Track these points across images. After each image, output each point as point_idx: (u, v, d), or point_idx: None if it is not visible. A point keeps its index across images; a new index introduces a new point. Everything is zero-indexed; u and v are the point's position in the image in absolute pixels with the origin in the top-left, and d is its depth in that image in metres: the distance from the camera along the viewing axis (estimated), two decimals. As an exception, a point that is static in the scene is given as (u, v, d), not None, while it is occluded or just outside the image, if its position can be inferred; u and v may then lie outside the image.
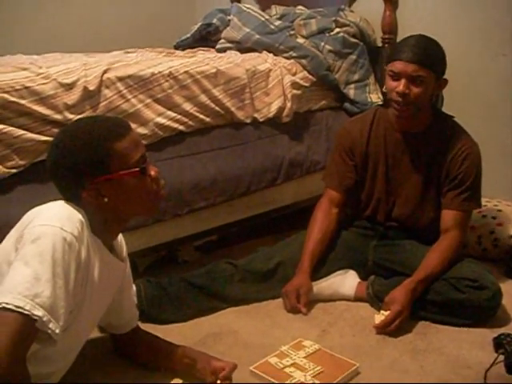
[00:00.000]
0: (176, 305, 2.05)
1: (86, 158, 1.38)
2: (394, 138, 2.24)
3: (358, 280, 2.23)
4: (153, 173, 1.49)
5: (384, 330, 1.96)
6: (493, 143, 2.85)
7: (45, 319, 1.22)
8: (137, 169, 1.43)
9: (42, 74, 1.98)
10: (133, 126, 2.08)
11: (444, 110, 2.33)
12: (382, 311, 2.02)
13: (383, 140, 2.26)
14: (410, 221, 2.28)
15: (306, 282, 2.14)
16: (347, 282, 2.22)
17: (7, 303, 1.19)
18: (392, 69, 2.08)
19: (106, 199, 1.41)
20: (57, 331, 1.24)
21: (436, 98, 2.28)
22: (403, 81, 2.05)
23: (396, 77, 2.07)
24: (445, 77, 2.14)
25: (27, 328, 1.21)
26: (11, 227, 1.39)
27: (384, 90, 2.20)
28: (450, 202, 2.17)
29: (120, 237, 1.62)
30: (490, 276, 2.05)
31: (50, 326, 1.23)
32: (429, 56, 2.06)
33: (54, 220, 1.31)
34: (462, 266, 2.09)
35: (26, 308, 1.19)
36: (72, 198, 1.42)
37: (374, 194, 2.30)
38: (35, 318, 1.20)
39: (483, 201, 2.34)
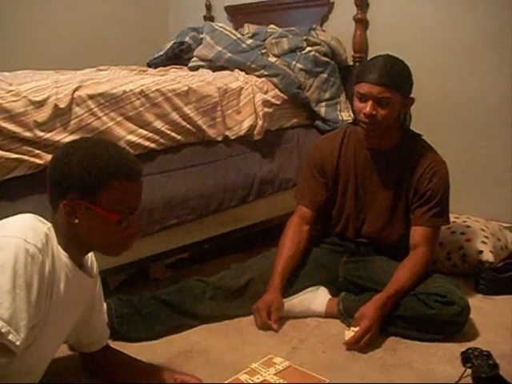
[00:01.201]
0: (147, 323, 2.04)
1: (82, 177, 1.37)
2: (363, 155, 2.27)
3: (329, 296, 2.24)
4: (130, 230, 1.47)
5: (354, 346, 1.97)
6: (462, 160, 2.92)
7: (3, 330, 1.21)
8: (116, 217, 1.42)
9: (12, 91, 1.97)
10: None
11: (413, 127, 2.37)
12: (352, 327, 2.03)
13: (353, 157, 2.29)
14: (380, 237, 2.30)
15: (277, 298, 2.15)
16: (318, 298, 2.23)
17: None
18: (359, 90, 2.11)
19: (76, 220, 1.41)
20: (17, 343, 1.23)
21: (404, 116, 2.31)
22: (370, 103, 2.07)
23: (363, 98, 2.10)
24: (412, 95, 2.17)
25: None
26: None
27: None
28: (419, 218, 2.20)
29: (91, 254, 1.61)
30: (458, 291, 2.07)
31: (10, 337, 1.22)
32: (394, 77, 2.07)
33: (17, 231, 1.31)
34: (431, 281, 2.12)
35: None
36: (52, 204, 1.43)
37: (344, 211, 2.32)
38: None
39: (452, 217, 2.38)
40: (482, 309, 2.28)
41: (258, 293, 2.19)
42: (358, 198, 2.30)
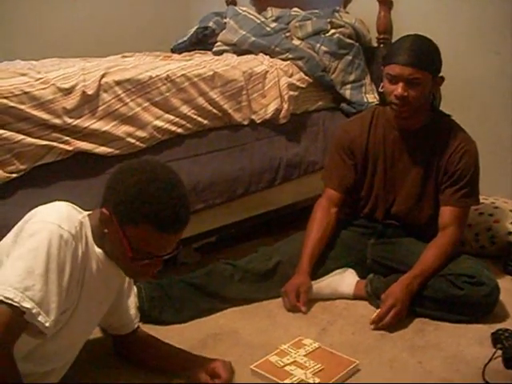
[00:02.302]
0: (176, 306, 2.07)
1: (122, 202, 1.36)
2: (392, 136, 2.26)
3: (357, 278, 2.25)
4: (144, 269, 1.44)
5: (378, 324, 1.98)
6: (490, 141, 2.87)
7: (34, 311, 1.24)
8: (131, 254, 1.38)
9: (41, 79, 1.99)
10: (131, 129, 2.16)
11: (442, 107, 2.35)
12: (379, 309, 2.04)
13: (382, 138, 2.28)
14: (409, 218, 2.30)
15: (306, 281, 2.16)
16: (346, 280, 2.24)
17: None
18: (389, 72, 2.10)
19: (106, 230, 1.41)
20: (46, 324, 1.26)
21: (434, 96, 2.28)
22: (400, 84, 2.07)
23: (393, 80, 2.09)
24: (441, 74, 2.16)
25: (15, 319, 1.23)
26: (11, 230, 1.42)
27: (380, 89, 2.21)
28: (448, 198, 2.19)
29: None
30: (487, 272, 2.07)
31: (39, 318, 1.25)
32: (424, 57, 2.07)
33: (53, 217, 1.33)
34: (460, 262, 2.11)
35: (16, 300, 1.21)
36: (102, 201, 1.43)
37: (373, 191, 2.32)
38: (24, 309, 1.22)
39: (480, 198, 2.36)
40: (512, 290, 2.27)
41: (286, 275, 2.20)
42: (387, 178, 2.29)
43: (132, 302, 1.78)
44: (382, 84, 2.19)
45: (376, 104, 2.44)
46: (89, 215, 1.46)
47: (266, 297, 2.22)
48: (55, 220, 1.33)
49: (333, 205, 2.33)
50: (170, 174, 1.43)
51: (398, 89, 2.07)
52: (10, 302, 1.21)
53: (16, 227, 1.38)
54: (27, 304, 1.23)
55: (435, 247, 2.13)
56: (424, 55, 2.08)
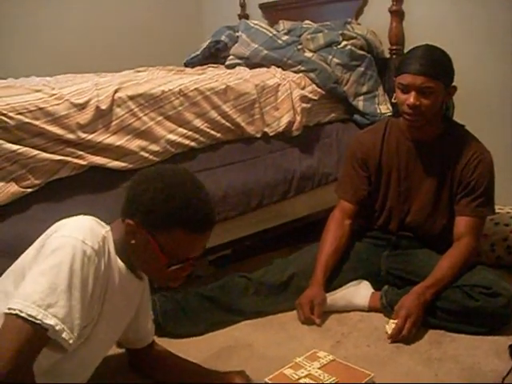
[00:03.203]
0: (191, 319, 2.07)
1: (150, 210, 1.37)
2: (406, 147, 2.26)
3: (372, 290, 2.24)
4: (178, 274, 1.46)
5: (397, 337, 1.97)
6: (505, 150, 2.86)
7: (57, 328, 1.23)
8: (166, 261, 1.41)
9: (55, 95, 2.01)
10: (144, 143, 2.17)
11: (454, 117, 2.34)
12: (391, 320, 2.03)
13: (396, 150, 2.28)
14: (423, 229, 2.29)
15: (320, 293, 2.15)
16: (361, 292, 2.23)
17: (21, 311, 1.21)
18: (401, 81, 2.11)
19: (133, 241, 1.42)
20: (70, 341, 1.26)
21: (447, 106, 2.28)
22: (413, 93, 2.07)
23: (405, 89, 2.09)
24: (453, 84, 2.16)
25: (36, 337, 1.23)
26: (27, 245, 1.42)
27: (393, 100, 2.21)
28: (464, 208, 2.18)
29: None
30: (503, 283, 2.05)
31: (64, 335, 1.25)
32: (436, 67, 2.07)
33: (76, 232, 1.33)
34: (475, 273, 2.09)
35: (38, 317, 1.21)
36: (122, 213, 1.45)
37: (387, 203, 2.32)
38: (46, 327, 1.22)
39: (496, 208, 2.34)
40: (529, 301, 2.24)
41: (300, 288, 2.19)
42: (401, 189, 2.29)
43: (148, 316, 1.78)
44: (394, 95, 2.19)
45: (389, 115, 2.44)
46: (115, 228, 1.47)
47: (280, 309, 2.22)
48: (79, 235, 1.32)
49: (347, 217, 2.33)
50: (190, 176, 1.47)
51: (410, 98, 2.07)
52: (31, 319, 1.21)
53: (38, 241, 1.39)
54: (50, 321, 1.23)
55: (449, 258, 2.11)
56: (436, 64, 2.08)
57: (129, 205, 1.42)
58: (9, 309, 1.22)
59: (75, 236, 1.32)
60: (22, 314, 1.21)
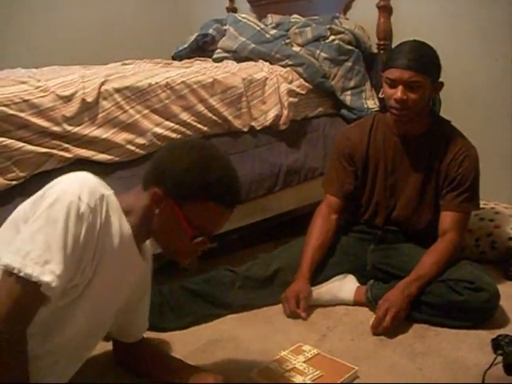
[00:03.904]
0: (176, 313, 2.07)
1: (182, 181, 1.39)
2: (392, 142, 2.27)
3: (357, 284, 2.25)
4: (198, 246, 1.49)
5: (377, 329, 1.98)
6: (490, 146, 2.87)
7: (53, 285, 1.23)
8: (193, 232, 1.43)
9: (41, 87, 2.00)
10: (131, 136, 2.16)
11: (441, 113, 2.36)
12: (375, 314, 2.04)
13: (382, 145, 2.30)
14: (409, 224, 2.30)
15: (306, 287, 2.16)
16: (346, 286, 2.23)
17: (19, 270, 1.21)
18: (388, 76, 2.12)
19: (157, 211, 1.42)
20: (53, 284, 1.23)
21: (433, 101, 2.30)
22: (400, 87, 2.08)
23: (393, 84, 2.11)
24: (440, 80, 2.17)
25: (32, 294, 1.23)
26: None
27: (381, 95, 2.22)
28: (449, 203, 2.20)
29: (148, 241, 1.62)
30: (487, 277, 2.07)
31: (56, 291, 1.24)
32: (423, 61, 2.09)
33: (74, 187, 1.31)
34: (460, 267, 2.11)
35: (34, 275, 1.21)
36: (144, 182, 1.45)
37: (374, 197, 2.33)
38: (42, 283, 1.22)
39: (481, 203, 2.36)
40: (513, 295, 2.26)
41: (286, 282, 2.20)
42: (387, 184, 2.30)
43: (146, 311, 1.76)
44: (381, 90, 2.20)
45: (376, 111, 2.45)
46: (121, 196, 1.44)
47: (266, 303, 2.22)
48: (76, 190, 1.30)
49: (333, 211, 2.34)
50: (222, 152, 1.51)
51: (398, 92, 2.08)
52: (28, 277, 1.21)
53: (37, 194, 1.37)
54: (47, 278, 1.22)
55: (434, 252, 2.13)
56: (423, 59, 2.09)
57: (156, 174, 1.42)
58: (6, 265, 1.22)
59: (72, 191, 1.29)
60: (21, 274, 1.21)
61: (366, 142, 2.32)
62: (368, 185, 2.34)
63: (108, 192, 1.40)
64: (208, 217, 1.43)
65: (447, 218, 2.19)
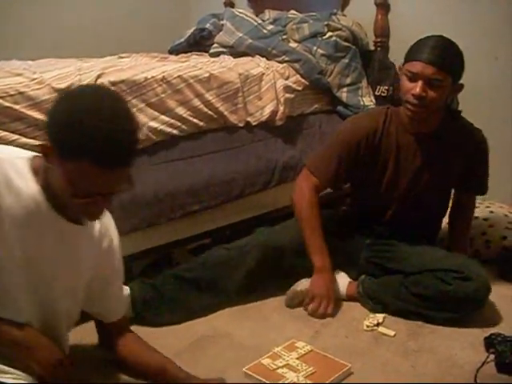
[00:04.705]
0: (170, 306, 2.06)
1: (57, 134, 1.26)
2: (406, 139, 2.20)
3: (349, 280, 2.25)
4: (90, 208, 1.35)
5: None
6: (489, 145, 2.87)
7: None
8: (71, 190, 1.29)
9: (36, 79, 1.99)
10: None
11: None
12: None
13: (395, 140, 2.21)
14: (410, 221, 2.27)
15: (332, 284, 2.18)
16: (339, 281, 2.23)
17: None
18: (410, 69, 2.02)
19: (48, 165, 1.32)
20: None
21: (451, 102, 2.25)
22: (420, 83, 1.99)
23: (413, 78, 2.01)
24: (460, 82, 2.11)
25: None
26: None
27: (377, 93, 2.20)
28: (470, 185, 2.33)
29: (109, 224, 1.58)
30: (477, 267, 2.06)
31: None
32: (448, 59, 2.01)
33: None
34: (449, 257, 2.12)
35: None
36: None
37: (379, 192, 2.27)
38: None
39: (476, 202, 2.39)
40: (506, 295, 2.27)
41: (293, 265, 2.22)
42: (396, 181, 2.24)
43: (121, 288, 1.72)
44: (378, 87, 2.17)
45: (388, 106, 2.31)
46: (34, 158, 1.38)
47: (269, 288, 2.24)
48: None
49: (317, 195, 2.26)
50: (113, 102, 1.31)
51: (417, 88, 1.99)
52: None
53: None
54: None
55: (465, 220, 2.40)
56: (448, 57, 2.01)
57: (47, 123, 1.31)
58: None
59: None
60: None
61: (379, 133, 2.21)
62: (375, 178, 2.26)
63: (11, 156, 1.35)
64: (85, 177, 1.26)
65: (468, 197, 2.38)
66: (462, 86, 2.12)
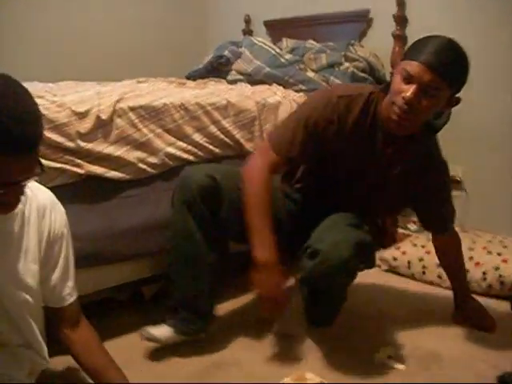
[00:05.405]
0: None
1: None
2: (379, 133, 1.95)
3: None
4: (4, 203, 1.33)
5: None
6: (498, 178, 2.86)
7: None
8: None
9: (57, 102, 2.02)
10: (143, 154, 2.17)
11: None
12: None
13: (367, 130, 1.95)
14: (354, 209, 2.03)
15: (282, 280, 1.93)
16: None
17: None
18: (406, 68, 1.75)
19: None
20: None
21: (440, 114, 1.97)
22: (414, 87, 1.73)
23: (408, 79, 1.74)
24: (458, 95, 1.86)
25: None
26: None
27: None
28: (437, 206, 2.14)
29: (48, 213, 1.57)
30: (335, 237, 1.83)
31: None
32: (452, 67, 1.74)
33: None
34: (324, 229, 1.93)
35: None
36: None
37: (332, 180, 2.06)
38: None
39: (489, 236, 2.37)
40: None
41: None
42: (352, 171, 2.01)
43: (67, 274, 1.65)
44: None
45: (374, 90, 1.99)
46: None
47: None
48: None
49: (272, 174, 2.00)
50: (11, 88, 1.29)
51: (410, 91, 1.73)
52: None
53: None
54: None
55: (459, 251, 2.26)
56: (452, 64, 1.74)
57: None
58: None
59: None
60: None
61: (354, 117, 1.92)
62: (332, 161, 2.01)
63: None
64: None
65: (436, 239, 2.26)
66: (458, 99, 1.86)
